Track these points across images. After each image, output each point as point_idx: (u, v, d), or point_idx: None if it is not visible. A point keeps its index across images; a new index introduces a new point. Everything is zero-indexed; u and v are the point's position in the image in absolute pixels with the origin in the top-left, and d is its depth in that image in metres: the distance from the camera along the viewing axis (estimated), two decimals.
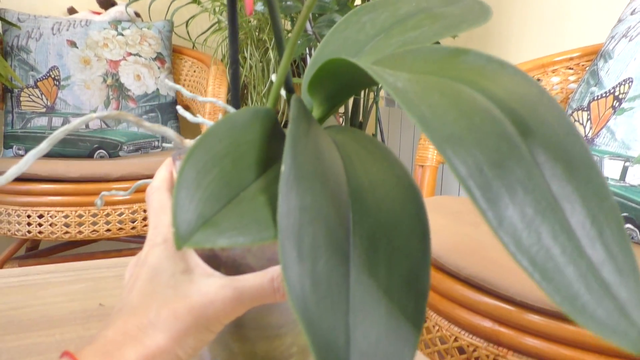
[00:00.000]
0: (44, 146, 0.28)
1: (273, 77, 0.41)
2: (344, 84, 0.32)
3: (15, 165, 0.27)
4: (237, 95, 0.32)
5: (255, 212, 0.24)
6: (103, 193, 0.44)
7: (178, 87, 0.35)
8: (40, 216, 1.18)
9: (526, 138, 0.23)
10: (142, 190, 1.29)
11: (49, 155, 1.37)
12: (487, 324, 0.63)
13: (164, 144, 0.37)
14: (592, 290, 0.19)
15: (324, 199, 0.26)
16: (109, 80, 1.49)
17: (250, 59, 1.50)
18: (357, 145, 0.32)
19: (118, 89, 1.50)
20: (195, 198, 0.23)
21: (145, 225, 1.26)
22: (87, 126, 1.44)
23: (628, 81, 0.85)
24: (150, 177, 1.32)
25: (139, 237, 1.61)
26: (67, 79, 1.44)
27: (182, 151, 0.38)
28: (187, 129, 1.88)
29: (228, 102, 0.37)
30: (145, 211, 1.26)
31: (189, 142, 0.30)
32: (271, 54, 1.50)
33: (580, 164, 0.22)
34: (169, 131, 0.29)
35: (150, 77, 1.55)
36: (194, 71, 1.63)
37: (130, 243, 1.71)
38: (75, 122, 0.28)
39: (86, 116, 0.28)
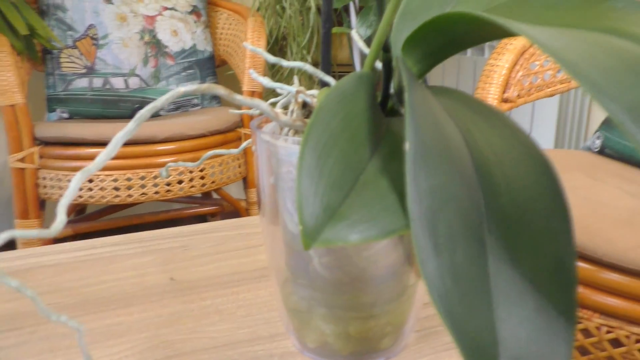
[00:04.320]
0: (131, 127, 0.25)
1: (353, 33, 0.37)
2: (452, 41, 0.28)
3: (103, 152, 0.24)
4: (328, 57, 0.28)
5: (382, 199, 0.21)
6: (169, 165, 0.42)
7: (259, 50, 0.32)
8: (90, 180, 1.18)
9: None
10: (187, 150, 1.27)
11: (92, 117, 1.36)
12: None
13: (232, 112, 0.34)
14: None
15: (454, 178, 0.22)
16: (146, 37, 1.46)
17: (289, 9, 1.44)
18: (469, 111, 0.28)
19: (156, 46, 1.47)
20: (320, 187, 0.20)
21: (192, 187, 1.25)
22: (127, 86, 1.41)
23: None
24: (196, 137, 1.29)
25: (186, 197, 1.61)
26: (105, 37, 1.41)
27: (261, 118, 0.35)
28: (223, 85, 1.84)
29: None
30: (191, 172, 1.25)
31: (284, 117, 0.27)
32: (312, 2, 1.43)
33: None
34: (263, 104, 0.26)
35: (186, 32, 1.51)
36: (230, 24, 1.58)
37: (174, 203, 1.71)
38: (162, 99, 0.25)
39: (172, 91, 0.25)
